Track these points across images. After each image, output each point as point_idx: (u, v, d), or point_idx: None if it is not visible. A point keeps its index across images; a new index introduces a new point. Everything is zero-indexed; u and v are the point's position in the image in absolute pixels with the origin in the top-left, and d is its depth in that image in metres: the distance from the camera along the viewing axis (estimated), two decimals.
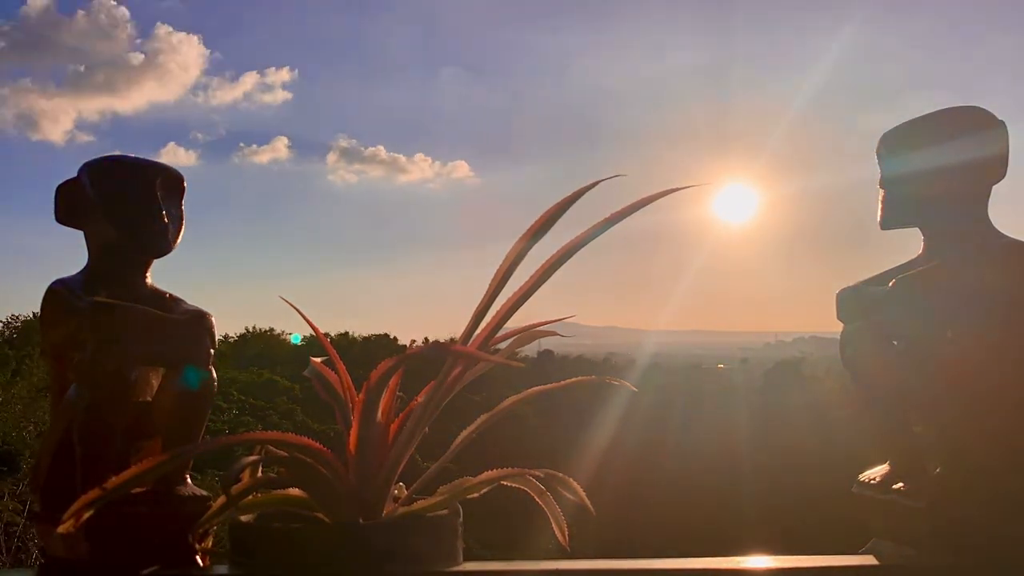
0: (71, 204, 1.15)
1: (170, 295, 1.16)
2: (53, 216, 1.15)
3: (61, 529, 0.88)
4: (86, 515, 0.89)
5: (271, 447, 1.06)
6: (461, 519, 1.05)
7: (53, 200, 1.16)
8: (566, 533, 1.09)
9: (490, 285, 1.05)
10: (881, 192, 1.18)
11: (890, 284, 1.10)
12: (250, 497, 1.03)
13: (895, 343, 1.12)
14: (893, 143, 1.17)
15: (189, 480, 1.11)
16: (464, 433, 1.11)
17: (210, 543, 1.10)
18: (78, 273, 1.14)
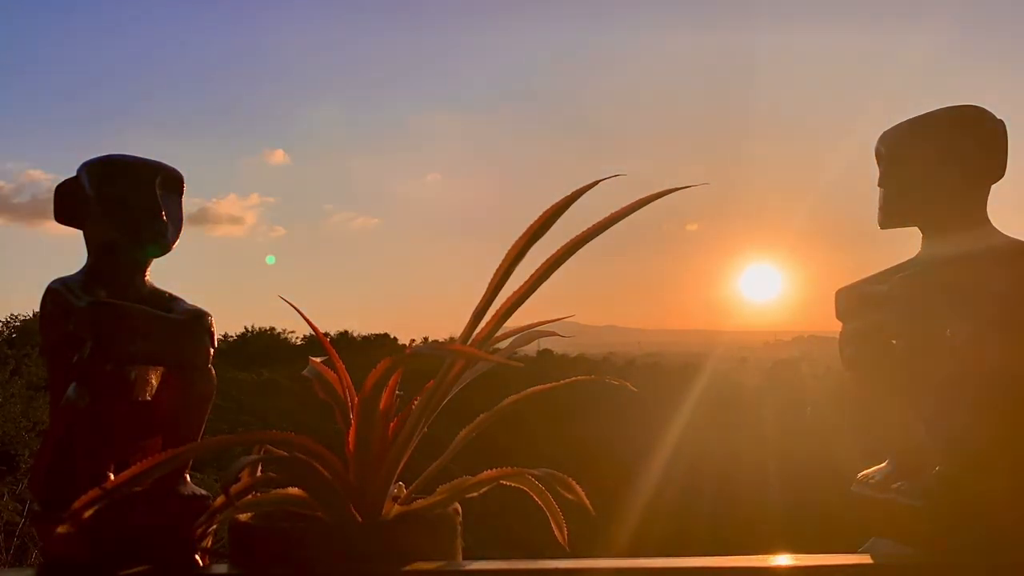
0: (70, 203, 1.15)
1: (169, 294, 1.17)
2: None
3: (61, 529, 0.89)
4: (86, 515, 0.89)
5: (271, 447, 1.06)
6: (461, 518, 1.05)
7: (52, 199, 1.16)
8: (565, 532, 1.09)
9: (489, 284, 1.05)
10: (880, 191, 1.18)
11: (889, 283, 1.10)
12: (249, 496, 1.04)
13: (894, 342, 1.12)
14: (892, 142, 1.17)
15: (189, 479, 1.11)
16: (463, 432, 1.12)
17: (209, 543, 1.10)
18: (77, 272, 1.14)
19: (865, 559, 1.06)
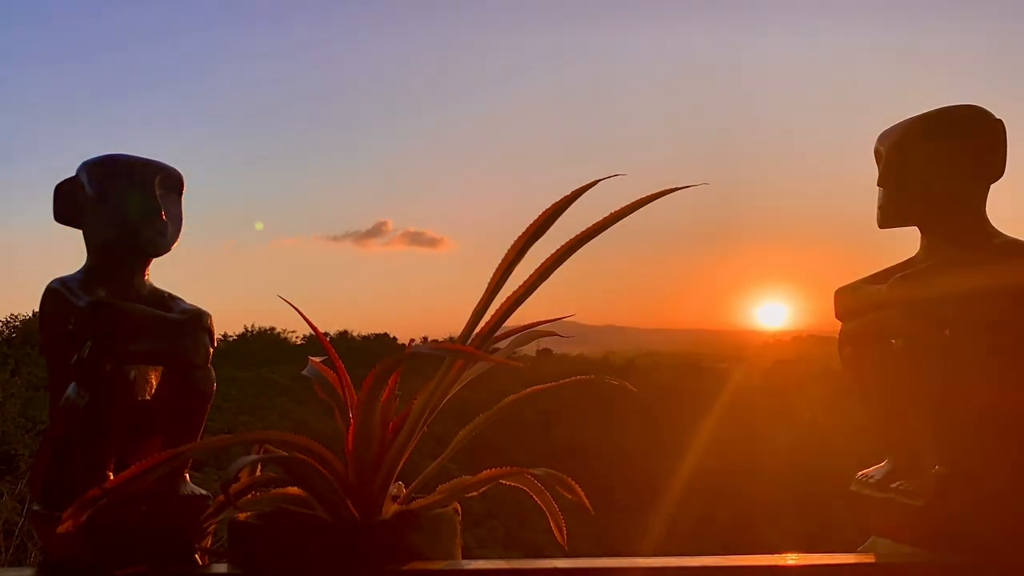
0: (70, 203, 1.15)
1: (169, 294, 1.17)
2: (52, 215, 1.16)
3: (61, 529, 0.89)
4: (85, 515, 0.89)
5: (271, 446, 1.06)
6: (460, 518, 1.05)
7: (52, 199, 1.16)
8: (564, 531, 1.09)
9: (489, 284, 1.05)
10: (879, 191, 1.18)
11: (888, 283, 1.10)
12: (249, 496, 1.04)
13: (893, 342, 1.12)
14: (891, 142, 1.17)
15: (189, 479, 1.11)
16: (463, 432, 1.12)
17: (208, 542, 1.10)
18: (77, 272, 1.14)
19: (865, 559, 1.06)
